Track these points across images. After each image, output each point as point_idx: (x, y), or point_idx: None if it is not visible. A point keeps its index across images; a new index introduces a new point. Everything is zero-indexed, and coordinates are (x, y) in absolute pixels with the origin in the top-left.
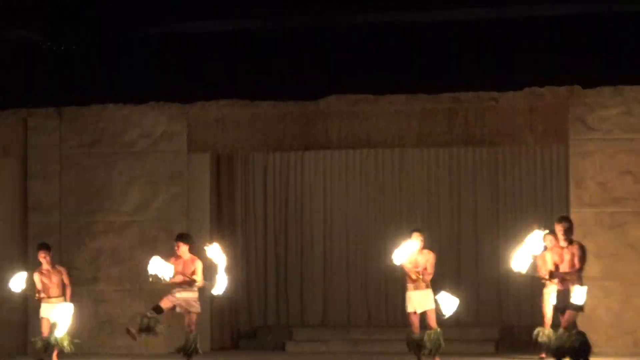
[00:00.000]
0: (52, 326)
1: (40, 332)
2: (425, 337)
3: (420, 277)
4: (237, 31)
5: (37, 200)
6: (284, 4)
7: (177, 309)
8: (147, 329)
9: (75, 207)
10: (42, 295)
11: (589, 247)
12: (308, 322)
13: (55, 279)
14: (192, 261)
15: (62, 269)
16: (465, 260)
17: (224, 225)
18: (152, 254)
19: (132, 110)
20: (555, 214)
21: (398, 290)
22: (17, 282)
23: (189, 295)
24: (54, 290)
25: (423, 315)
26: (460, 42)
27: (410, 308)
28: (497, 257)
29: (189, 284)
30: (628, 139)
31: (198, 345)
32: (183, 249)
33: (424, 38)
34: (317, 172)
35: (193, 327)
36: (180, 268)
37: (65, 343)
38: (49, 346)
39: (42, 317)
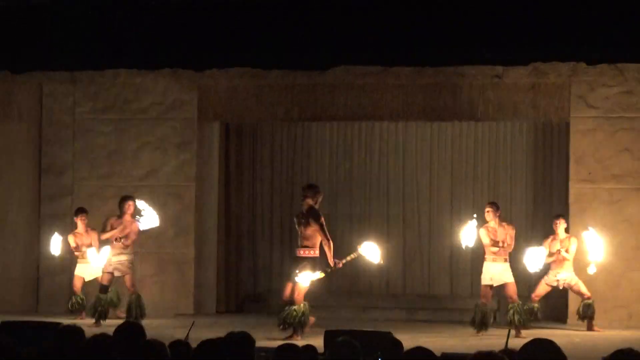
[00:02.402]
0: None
1: (73, 290)
2: (511, 311)
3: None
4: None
5: (51, 164)
6: None
7: (116, 273)
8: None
9: (87, 171)
10: (78, 253)
11: (588, 221)
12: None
13: (87, 241)
14: (130, 224)
15: (93, 232)
16: None
17: (231, 192)
18: (161, 218)
19: (145, 77)
20: (555, 189)
21: (398, 260)
22: (54, 245)
23: (125, 258)
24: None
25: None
26: (467, 17)
27: (486, 280)
28: None
29: (126, 246)
30: (628, 117)
31: (142, 302)
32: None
33: (431, 12)
34: (323, 143)
35: (132, 288)
36: (122, 229)
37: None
38: (80, 303)
39: (76, 275)
